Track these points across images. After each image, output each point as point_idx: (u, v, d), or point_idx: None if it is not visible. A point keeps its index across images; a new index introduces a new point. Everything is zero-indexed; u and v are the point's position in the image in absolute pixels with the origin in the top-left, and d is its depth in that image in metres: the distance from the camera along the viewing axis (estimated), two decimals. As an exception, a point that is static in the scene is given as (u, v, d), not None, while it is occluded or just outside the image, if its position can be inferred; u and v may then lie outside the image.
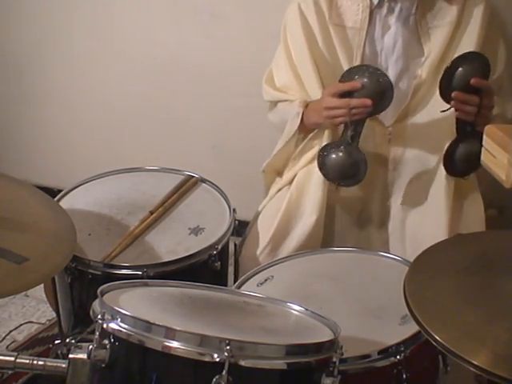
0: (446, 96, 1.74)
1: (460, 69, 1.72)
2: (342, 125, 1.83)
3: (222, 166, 2.68)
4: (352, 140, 1.79)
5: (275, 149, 2.01)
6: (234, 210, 1.87)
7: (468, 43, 1.84)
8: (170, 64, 2.68)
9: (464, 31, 1.85)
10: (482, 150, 1.31)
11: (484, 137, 1.30)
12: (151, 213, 1.83)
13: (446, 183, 1.84)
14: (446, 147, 1.81)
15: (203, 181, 1.99)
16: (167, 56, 2.68)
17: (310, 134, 1.94)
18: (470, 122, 1.76)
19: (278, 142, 2.00)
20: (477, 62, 1.73)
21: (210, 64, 2.62)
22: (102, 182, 1.98)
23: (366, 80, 1.73)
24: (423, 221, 1.87)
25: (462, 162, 1.81)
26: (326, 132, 1.88)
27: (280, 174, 2.04)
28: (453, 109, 1.74)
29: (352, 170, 1.82)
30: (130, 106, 2.80)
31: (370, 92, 1.73)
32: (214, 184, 1.98)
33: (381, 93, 1.74)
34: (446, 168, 1.83)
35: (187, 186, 1.95)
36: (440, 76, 1.75)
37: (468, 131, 1.78)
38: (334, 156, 1.82)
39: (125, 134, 2.86)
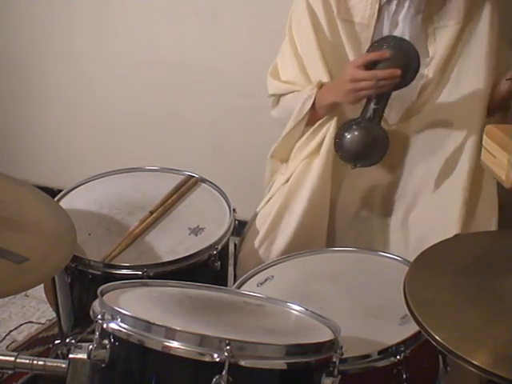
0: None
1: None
2: (352, 108, 1.79)
3: (222, 166, 2.68)
4: (374, 115, 1.74)
5: (283, 133, 1.96)
6: (233, 209, 1.87)
7: (476, 44, 1.83)
8: (171, 64, 2.68)
9: (471, 32, 1.84)
10: (482, 149, 1.31)
11: (484, 137, 1.31)
12: (151, 213, 1.82)
13: (459, 181, 1.82)
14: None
15: (203, 181, 1.99)
16: (168, 56, 2.68)
17: (314, 126, 1.90)
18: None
19: (287, 126, 1.95)
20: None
21: (211, 64, 2.62)
22: (102, 181, 1.98)
23: (392, 50, 1.69)
24: (432, 221, 1.84)
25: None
26: (333, 121, 1.85)
27: (285, 160, 2.00)
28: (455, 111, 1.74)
29: (371, 149, 1.77)
30: (130, 106, 2.81)
31: (396, 62, 1.69)
32: (214, 184, 1.98)
33: (407, 63, 1.70)
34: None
35: (187, 186, 1.95)
36: (445, 75, 1.75)
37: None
38: (352, 134, 1.75)
39: (125, 133, 2.86)
